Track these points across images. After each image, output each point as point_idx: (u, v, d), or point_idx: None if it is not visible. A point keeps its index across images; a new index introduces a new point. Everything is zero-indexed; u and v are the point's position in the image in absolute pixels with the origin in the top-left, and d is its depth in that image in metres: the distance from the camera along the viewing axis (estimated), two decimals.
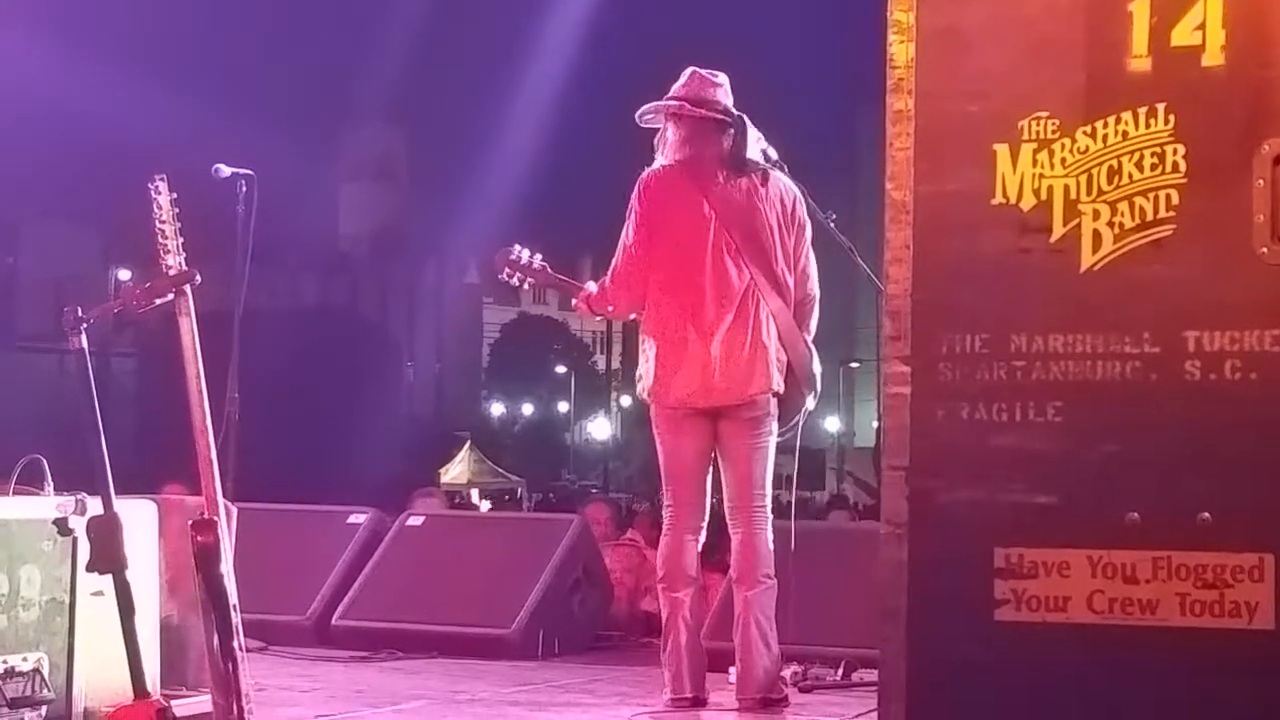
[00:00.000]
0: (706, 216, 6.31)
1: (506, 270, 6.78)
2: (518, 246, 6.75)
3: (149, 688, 4.07)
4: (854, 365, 59.13)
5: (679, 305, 6.35)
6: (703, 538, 6.55)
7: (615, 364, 63.75)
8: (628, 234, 6.38)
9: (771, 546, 6.37)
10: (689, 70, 6.42)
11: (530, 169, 60.15)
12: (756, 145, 6.46)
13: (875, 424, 39.78)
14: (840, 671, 7.21)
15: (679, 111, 6.36)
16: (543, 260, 6.75)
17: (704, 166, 6.35)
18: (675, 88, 6.41)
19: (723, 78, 6.40)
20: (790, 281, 6.35)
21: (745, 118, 6.36)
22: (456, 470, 48.82)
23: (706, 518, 6.54)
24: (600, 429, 63.46)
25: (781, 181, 6.41)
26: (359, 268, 66.03)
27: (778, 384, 6.28)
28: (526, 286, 6.81)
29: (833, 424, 56.61)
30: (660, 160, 6.44)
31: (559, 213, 68.87)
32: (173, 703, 4.04)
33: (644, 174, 6.41)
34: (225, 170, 8.14)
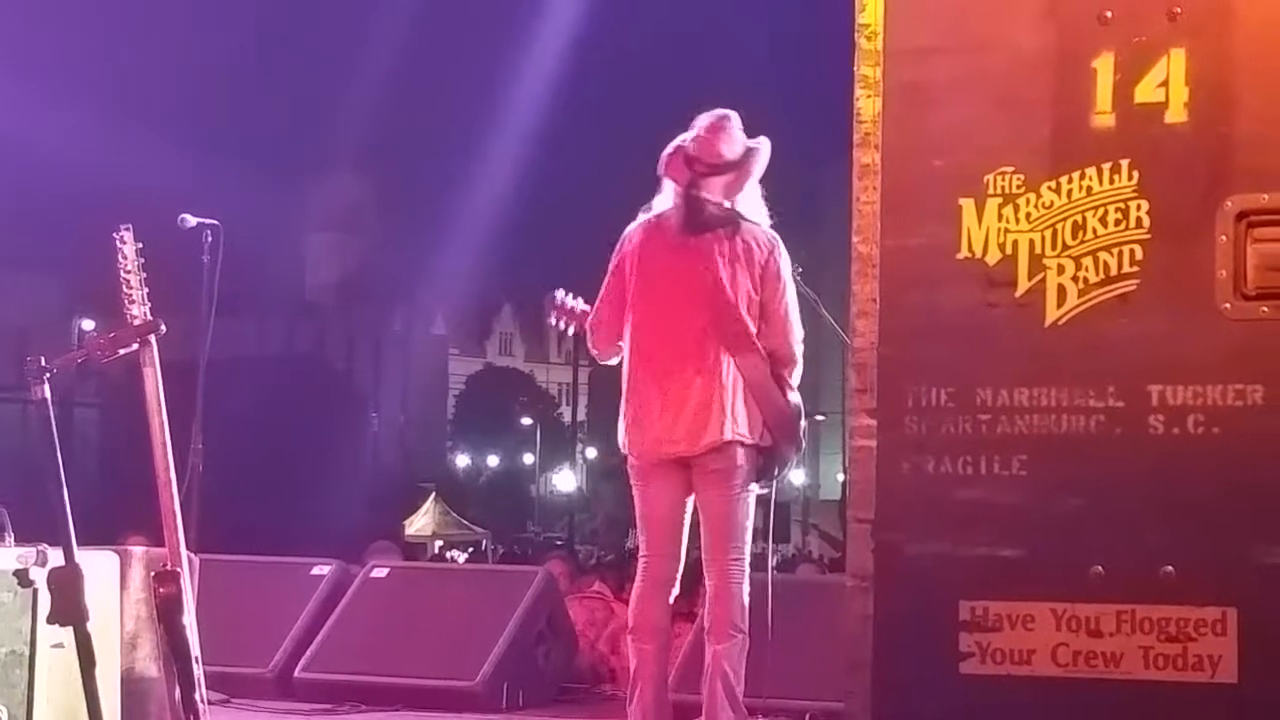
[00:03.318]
0: (667, 269, 6.33)
1: (554, 314, 6.76)
2: (561, 291, 6.75)
3: None
4: (819, 418, 59.12)
5: (641, 357, 6.36)
6: (675, 590, 6.52)
7: (581, 415, 63.63)
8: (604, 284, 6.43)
9: (747, 600, 6.35)
10: (703, 118, 6.38)
11: (499, 220, 60.18)
12: (759, 204, 6.45)
13: (840, 477, 39.83)
14: None
15: (664, 161, 6.40)
16: (585, 304, 6.76)
17: (667, 218, 6.37)
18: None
19: (733, 119, 6.35)
20: (758, 333, 6.33)
21: (752, 164, 6.34)
22: (421, 522, 48.60)
23: (680, 570, 6.52)
24: (565, 481, 63.24)
25: (754, 234, 6.40)
26: (325, 317, 65.91)
27: (734, 434, 6.23)
28: (572, 331, 6.78)
29: (798, 477, 56.59)
30: (643, 215, 6.49)
31: (527, 263, 68.93)
32: None
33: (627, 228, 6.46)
34: (191, 220, 8.11)
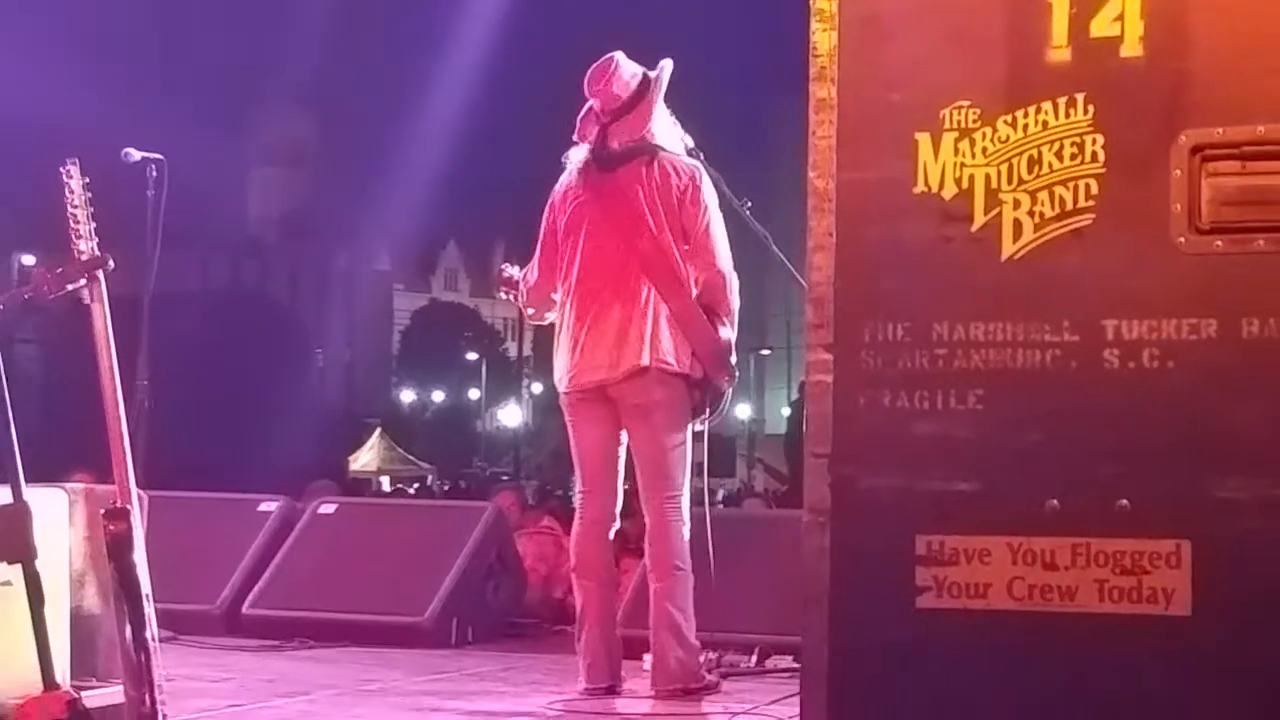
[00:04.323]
0: (582, 206, 6.34)
1: (504, 289, 6.78)
2: (506, 265, 6.78)
3: (59, 679, 4.00)
4: (764, 353, 59.37)
5: (564, 294, 6.39)
6: (615, 525, 6.53)
7: (527, 351, 63.61)
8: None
9: (686, 536, 6.36)
10: (589, 72, 6.41)
11: (443, 155, 59.89)
12: (670, 129, 6.46)
13: (786, 411, 39.95)
14: (754, 658, 7.24)
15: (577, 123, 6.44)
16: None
17: (583, 164, 6.39)
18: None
19: (616, 60, 6.35)
20: (684, 261, 6.32)
21: (651, 92, 6.34)
22: (367, 457, 48.61)
23: (619, 505, 6.52)
24: (511, 416, 63.29)
25: (672, 162, 6.39)
26: (269, 252, 65.56)
27: (653, 360, 6.22)
28: (523, 303, 6.78)
29: (743, 411, 56.77)
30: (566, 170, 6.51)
31: (472, 199, 68.66)
32: (83, 694, 3.97)
33: None
34: (135, 154, 8.04)
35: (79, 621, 4.73)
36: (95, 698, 4.03)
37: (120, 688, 3.91)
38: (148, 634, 3.87)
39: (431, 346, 66.44)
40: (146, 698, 3.79)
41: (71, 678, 4.38)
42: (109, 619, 4.05)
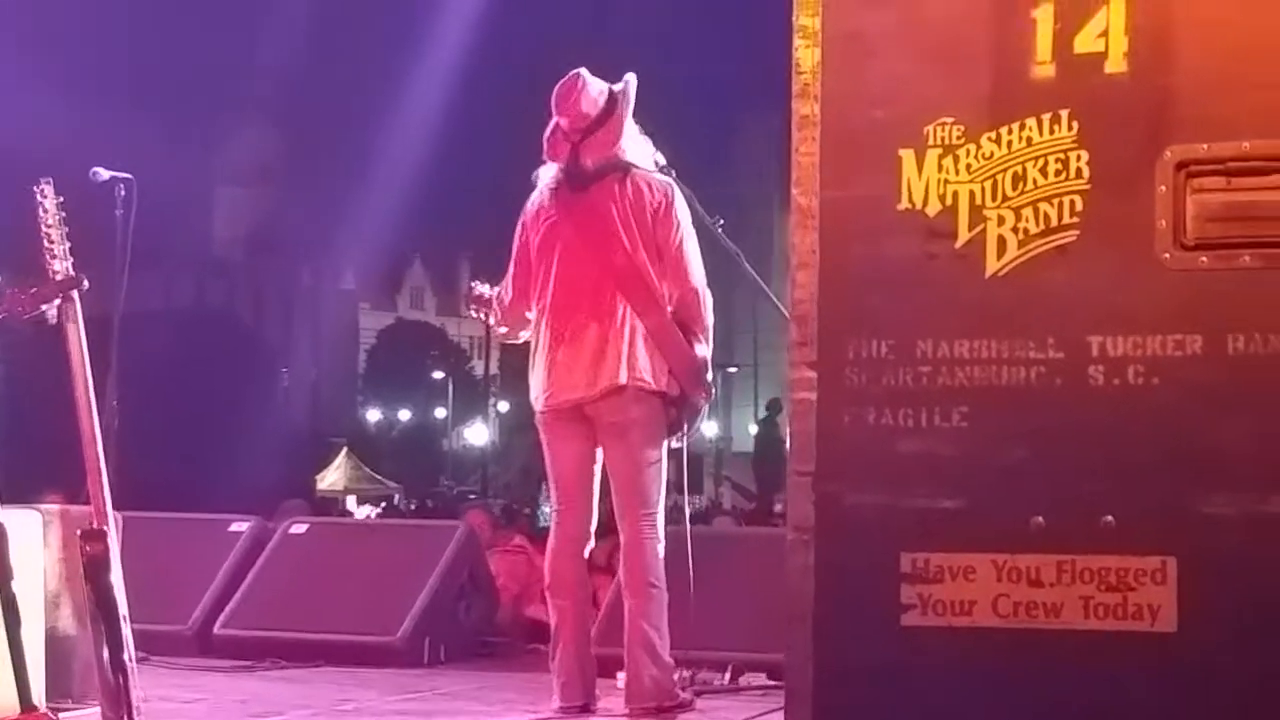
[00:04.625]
0: (555, 225, 6.33)
1: (472, 306, 6.74)
2: (476, 283, 6.73)
3: (35, 700, 3.97)
4: (731, 370, 59.39)
5: (539, 313, 6.37)
6: (590, 544, 6.51)
7: (494, 369, 63.49)
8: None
9: (661, 554, 6.34)
10: (556, 90, 6.40)
11: (408, 173, 59.78)
12: (641, 145, 6.45)
13: (753, 429, 39.95)
14: (728, 676, 7.22)
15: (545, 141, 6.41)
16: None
17: (555, 183, 6.38)
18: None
19: (583, 77, 6.34)
20: (658, 279, 6.32)
21: (620, 108, 6.33)
22: (333, 477, 48.42)
23: (594, 524, 6.51)
24: (478, 434, 63.15)
25: (645, 179, 6.39)
26: (234, 272, 65.35)
27: (630, 379, 6.21)
28: (493, 320, 6.73)
29: (710, 429, 56.84)
30: (537, 189, 6.49)
31: (437, 216, 68.57)
32: (60, 715, 3.94)
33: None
34: (104, 174, 7.98)
35: (54, 643, 4.69)
36: (71, 719, 4.00)
37: (97, 709, 3.88)
38: (125, 655, 3.84)
39: (398, 365, 66.30)
40: (124, 719, 3.76)
41: (47, 700, 4.35)
42: (84, 640, 4.02)
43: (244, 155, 71.15)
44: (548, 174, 6.45)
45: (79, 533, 3.85)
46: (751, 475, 33.32)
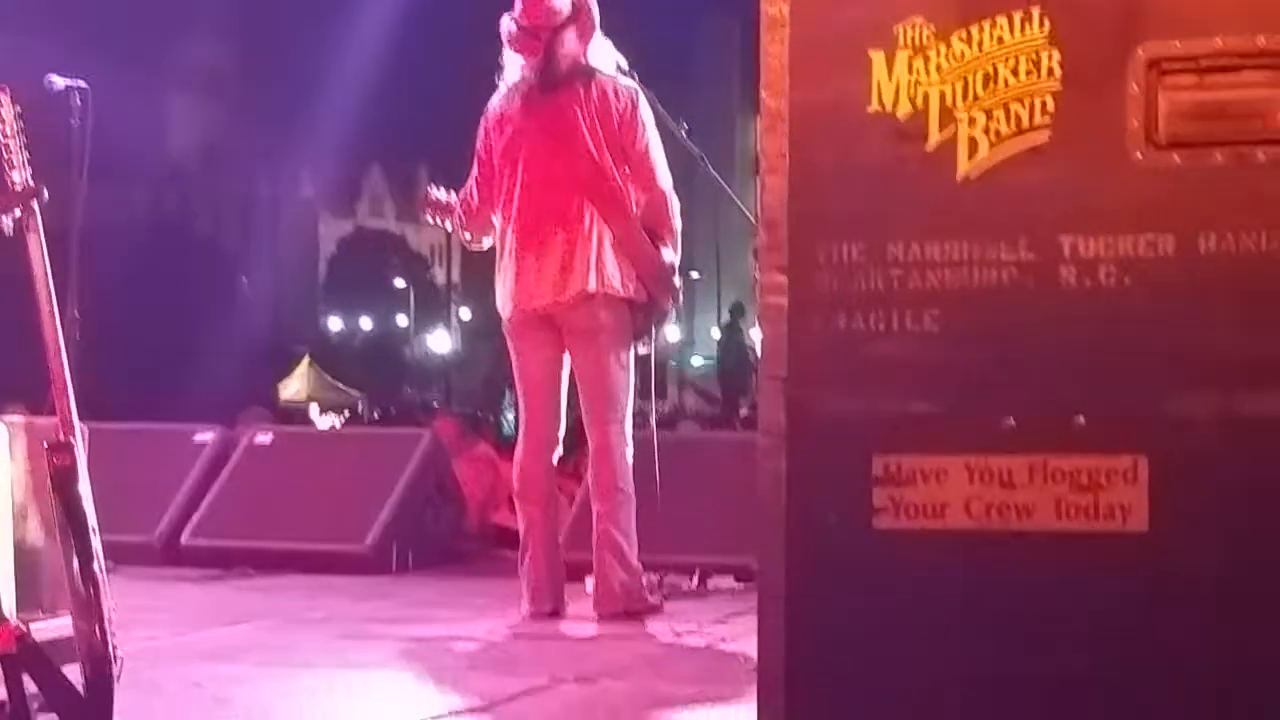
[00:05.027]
0: (519, 129, 6.29)
1: (429, 211, 6.72)
2: (432, 187, 6.71)
3: (5, 612, 3.96)
4: (694, 275, 59.37)
5: (505, 220, 6.34)
6: (558, 450, 6.53)
7: (455, 277, 63.31)
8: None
9: (630, 459, 6.37)
10: None
11: (364, 79, 59.23)
12: (605, 50, 6.41)
13: (716, 334, 39.97)
14: (695, 579, 7.27)
15: (506, 38, 6.36)
16: (456, 197, 6.69)
17: (523, 84, 6.33)
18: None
19: None
20: (625, 184, 6.29)
21: (586, 18, 6.28)
22: (295, 386, 48.32)
23: (561, 430, 6.52)
24: (440, 342, 63.09)
25: (610, 83, 6.35)
26: (191, 181, 64.81)
27: (599, 286, 6.20)
28: (450, 226, 6.70)
29: (672, 334, 56.82)
30: (501, 88, 6.43)
31: (394, 122, 68.05)
32: (31, 626, 3.93)
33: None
34: (59, 83, 7.88)
35: (22, 555, 4.66)
36: (44, 630, 3.99)
37: (67, 619, 3.87)
38: (95, 567, 3.83)
39: (358, 273, 66.08)
40: (96, 630, 3.76)
41: (17, 612, 4.33)
42: (53, 552, 4.00)
43: (198, 63, 70.42)
44: (513, 73, 6.39)
45: (45, 444, 3.82)
46: (715, 381, 33.42)
